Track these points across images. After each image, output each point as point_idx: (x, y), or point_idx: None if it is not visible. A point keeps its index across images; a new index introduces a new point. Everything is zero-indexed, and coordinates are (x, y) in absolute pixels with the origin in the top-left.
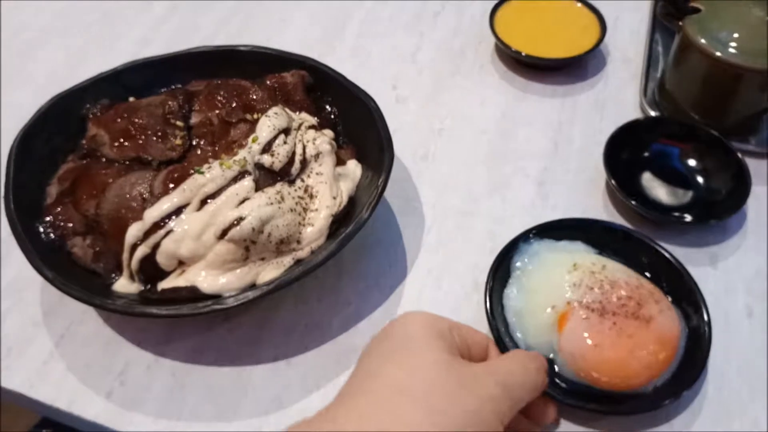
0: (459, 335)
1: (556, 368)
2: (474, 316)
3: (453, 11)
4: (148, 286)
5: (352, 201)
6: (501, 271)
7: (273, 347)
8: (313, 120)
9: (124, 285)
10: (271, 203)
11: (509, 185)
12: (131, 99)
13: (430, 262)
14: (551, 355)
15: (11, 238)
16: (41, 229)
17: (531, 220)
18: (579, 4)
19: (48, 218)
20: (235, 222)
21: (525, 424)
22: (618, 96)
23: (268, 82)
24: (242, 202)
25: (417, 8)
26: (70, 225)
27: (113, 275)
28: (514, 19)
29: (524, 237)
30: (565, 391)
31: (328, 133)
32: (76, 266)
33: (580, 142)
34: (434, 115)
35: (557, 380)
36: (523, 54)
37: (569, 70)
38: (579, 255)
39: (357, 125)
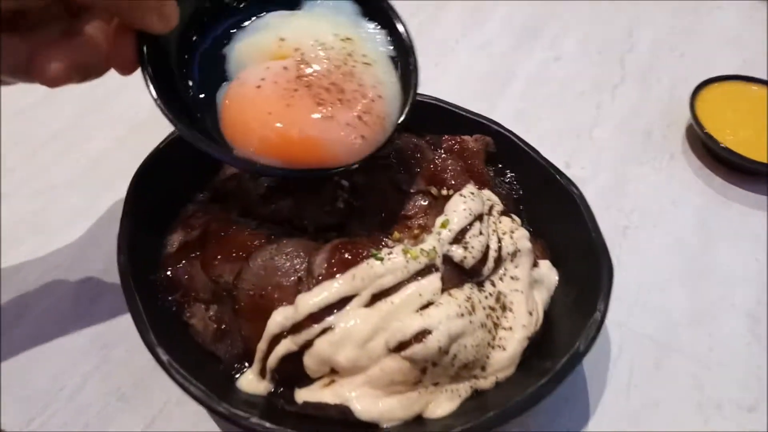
0: None
1: None
2: None
3: (636, 83)
4: (281, 389)
5: (546, 317)
6: None
7: None
8: (500, 202)
9: (251, 381)
10: (462, 314)
11: (714, 316)
12: None
13: (618, 403)
14: None
15: (108, 274)
16: (156, 284)
17: (745, 370)
18: None
19: (166, 272)
20: (419, 336)
21: None
22: None
23: (444, 145)
24: (425, 306)
25: (595, 74)
26: (192, 287)
27: (237, 364)
28: (718, 105)
29: None
30: None
31: (517, 220)
32: (192, 342)
33: None
34: (618, 208)
35: None
36: (725, 147)
37: None
38: None
39: (550, 215)
